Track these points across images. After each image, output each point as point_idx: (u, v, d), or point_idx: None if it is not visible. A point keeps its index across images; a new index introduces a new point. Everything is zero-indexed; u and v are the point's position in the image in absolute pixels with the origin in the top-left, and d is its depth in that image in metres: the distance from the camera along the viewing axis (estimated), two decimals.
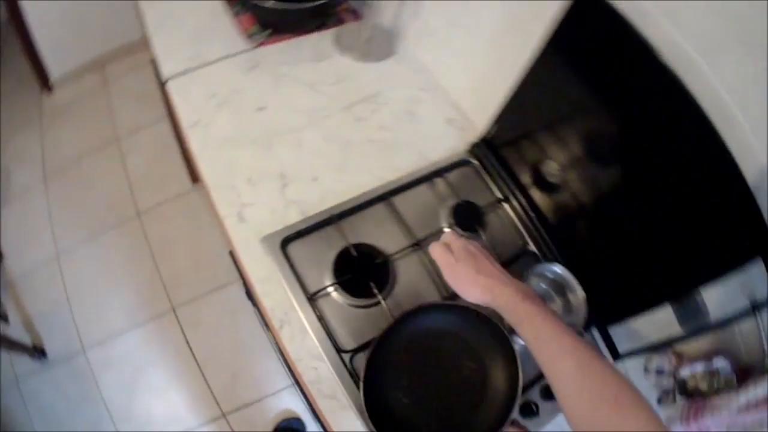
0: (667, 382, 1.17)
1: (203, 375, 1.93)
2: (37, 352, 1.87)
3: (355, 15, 1.54)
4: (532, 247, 1.23)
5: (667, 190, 0.92)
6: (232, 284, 2.01)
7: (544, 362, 0.73)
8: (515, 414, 1.02)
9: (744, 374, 1.06)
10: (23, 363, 1.86)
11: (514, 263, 1.19)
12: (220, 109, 1.28)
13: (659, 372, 1.19)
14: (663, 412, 1.14)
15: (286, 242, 1.09)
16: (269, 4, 1.35)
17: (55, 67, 2.40)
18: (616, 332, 1.19)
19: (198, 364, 1.93)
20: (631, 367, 1.21)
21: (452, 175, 1.27)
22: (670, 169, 0.89)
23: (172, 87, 1.31)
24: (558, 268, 1.12)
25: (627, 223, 1.06)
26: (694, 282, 0.96)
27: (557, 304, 1.13)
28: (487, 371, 1.00)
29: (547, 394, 1.11)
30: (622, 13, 0.83)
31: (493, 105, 1.20)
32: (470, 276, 0.83)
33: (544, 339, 0.73)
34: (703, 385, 1.12)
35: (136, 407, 1.89)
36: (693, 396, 1.14)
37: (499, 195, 1.26)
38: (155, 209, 2.16)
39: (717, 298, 0.98)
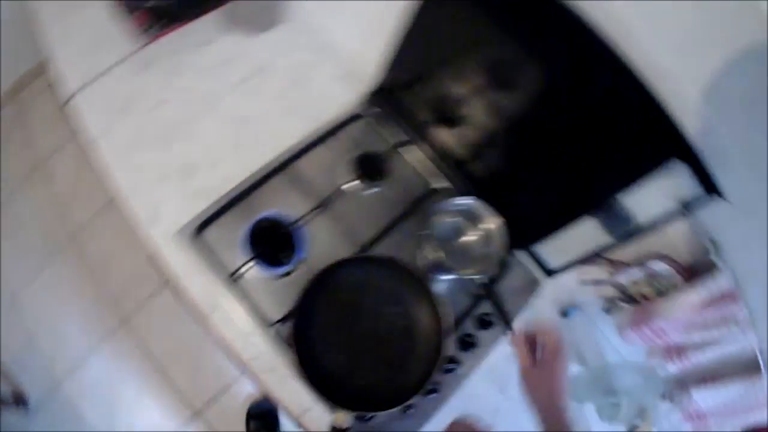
0: (607, 290, 1.30)
1: (170, 377, 2.10)
2: (20, 401, 2.02)
3: None
4: (441, 184, 1.35)
5: (572, 106, 1.02)
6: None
7: None
8: (451, 351, 1.17)
9: (689, 274, 1.17)
10: (7, 418, 1.99)
11: (423, 203, 1.31)
12: (120, 115, 1.36)
13: (597, 282, 1.32)
14: (614, 323, 1.28)
15: (199, 231, 1.21)
16: None
17: None
18: (545, 251, 1.32)
19: (162, 368, 2.11)
20: (567, 283, 1.34)
21: (348, 131, 1.38)
22: (572, 85, 0.99)
23: (75, 103, 1.38)
24: (465, 200, 1.22)
25: (537, 145, 1.16)
26: (609, 191, 1.08)
27: (474, 235, 1.25)
28: (411, 314, 1.14)
29: (482, 323, 1.25)
30: None
31: (383, 48, 1.29)
32: (538, 387, 0.95)
33: None
34: (647, 290, 1.24)
35: (120, 426, 2.06)
36: (637, 301, 1.26)
37: (397, 140, 1.37)
38: (89, 224, 2.27)
39: (642, 203, 1.09)
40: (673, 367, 1.23)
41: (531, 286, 1.34)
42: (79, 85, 1.41)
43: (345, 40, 1.49)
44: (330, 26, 1.52)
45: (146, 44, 1.49)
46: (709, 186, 0.94)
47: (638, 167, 1.00)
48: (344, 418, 1.05)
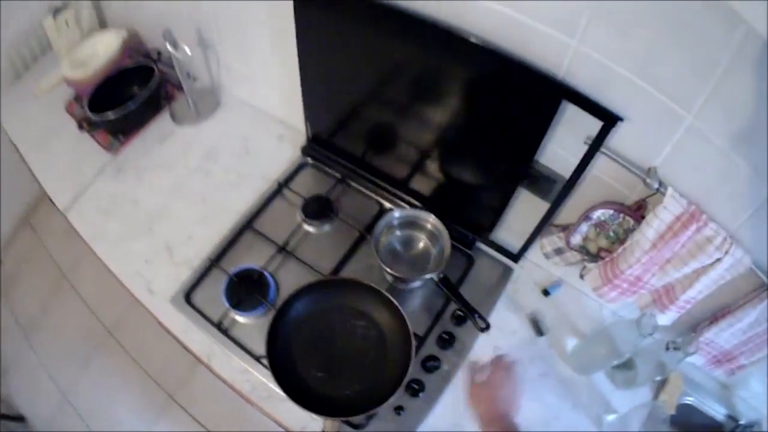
0: (572, 255, 1.27)
1: None
2: None
3: (180, 88, 1.89)
4: (387, 204, 1.54)
5: (464, 94, 1.14)
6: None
7: None
8: (431, 350, 1.31)
9: (638, 211, 1.08)
10: None
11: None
12: (107, 217, 1.62)
13: (558, 251, 1.30)
14: (590, 286, 1.22)
15: (188, 296, 1.43)
16: (109, 116, 1.69)
17: None
18: (505, 238, 1.43)
19: None
20: (535, 263, 1.43)
21: (295, 182, 1.61)
22: (449, 77, 1.13)
23: (71, 217, 1.65)
24: (398, 212, 1.40)
25: (454, 141, 1.28)
26: (525, 157, 1.14)
27: (421, 237, 1.42)
28: (378, 324, 1.29)
29: (457, 319, 1.35)
30: None
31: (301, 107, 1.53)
32: (481, 403, 1.07)
33: None
34: (602, 241, 1.17)
35: None
36: (602, 257, 1.18)
37: (338, 176, 1.59)
38: (120, 321, 2.51)
39: (559, 158, 1.13)
40: (671, 314, 1.14)
41: (505, 275, 1.44)
42: (70, 199, 1.68)
43: (271, 106, 1.75)
44: (256, 100, 1.79)
45: (115, 155, 1.76)
46: (600, 113, 0.95)
47: (537, 124, 1.05)
48: (332, 425, 1.18)
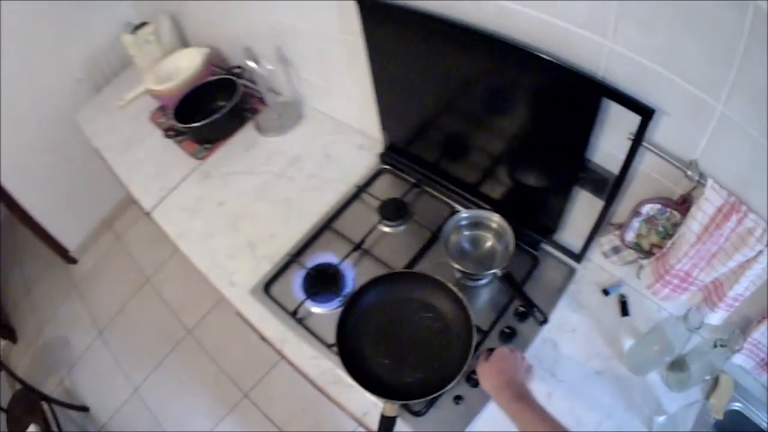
0: (628, 254, 1.27)
1: None
2: None
3: (264, 101, 2.04)
4: (458, 207, 1.60)
5: (517, 103, 1.21)
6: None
7: None
8: (495, 342, 1.33)
9: (684, 204, 1.08)
10: None
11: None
12: (192, 216, 1.76)
13: (615, 250, 1.31)
14: (644, 284, 1.22)
15: (267, 287, 1.52)
16: (196, 126, 1.85)
17: (70, 242, 3.02)
18: (568, 240, 1.45)
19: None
20: (598, 264, 1.44)
21: (374, 186, 1.70)
22: (509, 86, 1.19)
23: (156, 215, 1.80)
24: (466, 213, 1.46)
25: (515, 146, 1.33)
26: (578, 156, 1.17)
27: (488, 237, 1.48)
28: (443, 316, 1.34)
29: (520, 316, 1.37)
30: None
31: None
32: (487, 378, 1.15)
33: (529, 429, 0.99)
34: (654, 237, 1.16)
35: None
36: (653, 253, 1.18)
37: (413, 181, 1.67)
38: (201, 323, 2.66)
39: (608, 157, 1.15)
40: (721, 312, 1.11)
41: (567, 276, 1.45)
42: (157, 200, 1.83)
43: (350, 118, 1.88)
44: (336, 112, 1.91)
45: (203, 159, 1.90)
46: (636, 107, 0.97)
47: (583, 123, 1.09)
48: (391, 408, 1.22)
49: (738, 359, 1.13)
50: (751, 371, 1.19)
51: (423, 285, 1.38)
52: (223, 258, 1.64)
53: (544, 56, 1.03)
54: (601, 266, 1.44)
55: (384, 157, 1.74)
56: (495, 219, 1.45)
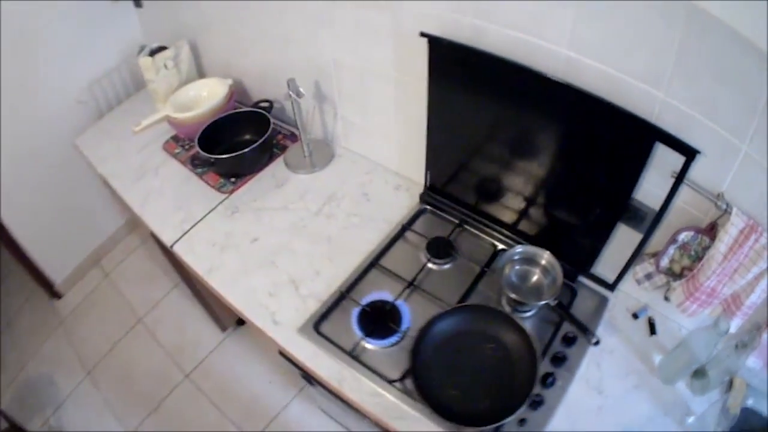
0: (659, 279, 1.42)
1: None
2: None
3: (294, 138, 2.03)
4: (500, 246, 1.66)
5: (569, 144, 1.33)
6: (303, 390, 2.41)
7: None
8: (547, 368, 1.40)
9: (712, 230, 1.25)
10: None
11: (492, 263, 1.61)
12: (223, 252, 1.71)
13: (648, 276, 1.44)
14: (674, 303, 1.37)
15: (317, 325, 1.50)
16: (227, 156, 1.82)
17: (55, 275, 2.83)
18: (602, 270, 1.55)
19: None
20: (624, 291, 1.55)
21: (416, 225, 1.73)
22: (564, 132, 1.32)
23: (178, 249, 1.74)
24: (520, 248, 1.53)
25: (561, 185, 1.44)
26: (624, 196, 1.31)
27: (536, 271, 1.54)
28: (505, 344, 1.40)
29: (567, 341, 1.46)
30: (464, 42, 1.31)
31: (420, 158, 1.68)
32: None
33: None
34: (685, 261, 1.33)
35: None
36: (684, 276, 1.35)
37: (456, 221, 1.71)
38: (200, 367, 2.55)
39: (650, 193, 1.29)
40: (737, 320, 1.28)
41: (601, 304, 1.55)
42: (179, 233, 1.78)
43: (386, 158, 1.91)
44: (371, 152, 1.95)
45: (230, 193, 1.87)
46: (683, 149, 1.13)
47: (635, 163, 1.23)
48: None
49: (749, 361, 1.29)
50: (759, 371, 1.34)
51: (484, 317, 1.44)
52: (263, 296, 1.60)
53: (609, 103, 1.16)
54: (628, 293, 1.56)
55: (425, 197, 1.77)
56: (545, 255, 1.52)
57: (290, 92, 1.76)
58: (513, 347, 1.40)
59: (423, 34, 1.36)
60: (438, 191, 1.74)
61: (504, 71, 1.29)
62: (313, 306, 1.55)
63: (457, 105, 1.48)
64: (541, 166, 1.44)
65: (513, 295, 1.46)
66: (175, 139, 2.10)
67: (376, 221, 1.76)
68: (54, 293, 2.87)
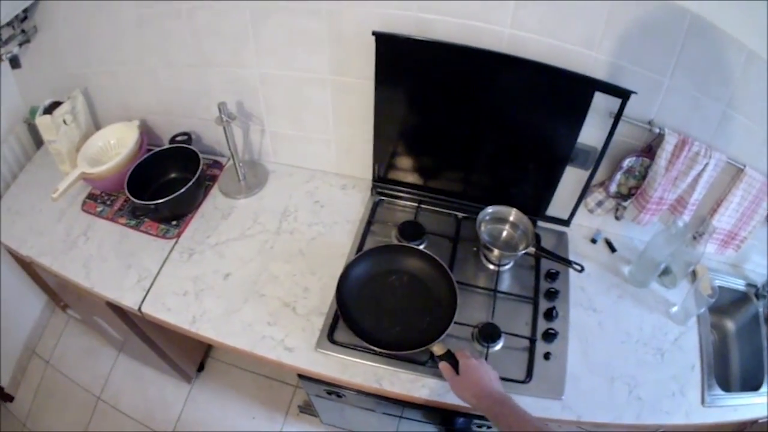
0: (608, 203, 1.66)
1: None
2: None
3: (218, 165, 1.98)
4: (461, 215, 1.83)
5: (523, 110, 1.52)
6: (288, 413, 2.42)
7: None
8: (544, 303, 1.60)
9: (650, 151, 1.50)
10: None
11: (460, 231, 1.77)
12: (199, 298, 1.65)
13: (599, 204, 1.68)
14: (629, 218, 1.66)
15: (331, 337, 1.53)
16: (168, 199, 1.72)
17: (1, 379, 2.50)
18: (556, 211, 1.77)
19: None
20: (582, 219, 1.79)
21: (378, 216, 1.83)
22: (513, 97, 1.49)
23: (148, 310, 1.64)
24: (490, 209, 1.70)
25: (512, 148, 1.62)
26: (570, 143, 1.52)
27: (505, 228, 1.74)
28: (415, 273, 1.59)
29: (552, 277, 1.68)
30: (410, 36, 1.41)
31: (362, 154, 1.78)
32: (465, 390, 1.26)
33: (514, 429, 1.13)
34: (631, 182, 1.57)
35: None
36: (632, 194, 1.59)
37: (414, 204, 1.83)
38: (178, 425, 2.45)
39: (592, 135, 1.51)
40: (686, 217, 1.54)
41: (562, 239, 1.79)
42: (141, 294, 1.69)
43: (325, 161, 1.97)
44: (306, 160, 2.00)
45: (177, 239, 1.81)
46: (619, 93, 1.36)
47: (578, 112, 1.45)
48: (438, 347, 1.37)
49: (708, 248, 1.59)
50: (715, 253, 1.66)
51: (388, 254, 1.62)
52: (263, 327, 1.59)
53: (553, 67, 1.38)
54: (580, 224, 1.82)
55: (377, 189, 1.87)
56: (512, 212, 1.72)
57: (222, 116, 1.71)
58: (421, 273, 1.59)
59: (375, 34, 1.43)
60: (389, 180, 1.84)
61: (453, 56, 1.44)
62: (318, 321, 1.58)
63: (405, 95, 1.58)
64: (493, 135, 1.61)
65: (496, 252, 1.64)
66: (92, 197, 1.93)
67: (340, 223, 1.82)
68: (5, 396, 2.56)
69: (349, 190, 1.92)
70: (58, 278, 1.82)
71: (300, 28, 1.55)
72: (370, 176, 1.85)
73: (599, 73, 1.38)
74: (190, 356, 2.43)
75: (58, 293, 2.37)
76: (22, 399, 2.55)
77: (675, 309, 1.62)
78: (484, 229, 1.70)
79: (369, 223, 1.79)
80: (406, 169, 1.80)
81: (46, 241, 1.84)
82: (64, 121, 1.86)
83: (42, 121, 1.81)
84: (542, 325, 1.58)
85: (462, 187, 1.79)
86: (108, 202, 1.92)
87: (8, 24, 1.74)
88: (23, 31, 1.81)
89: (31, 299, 2.63)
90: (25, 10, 1.75)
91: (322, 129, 1.81)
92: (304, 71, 1.65)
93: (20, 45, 1.84)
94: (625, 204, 1.64)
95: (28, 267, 2.10)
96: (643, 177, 1.54)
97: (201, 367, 2.59)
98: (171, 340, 2.13)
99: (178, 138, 1.97)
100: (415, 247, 1.61)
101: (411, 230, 1.74)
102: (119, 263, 1.76)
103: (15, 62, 1.85)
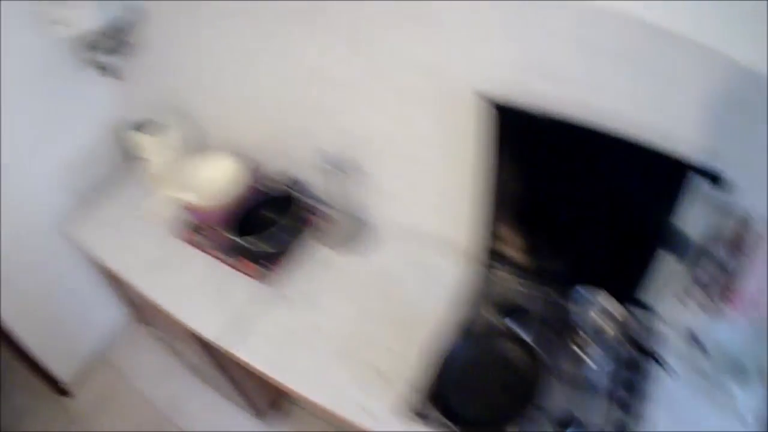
0: (698, 295, 1.48)
1: None
2: None
3: (323, 215, 1.95)
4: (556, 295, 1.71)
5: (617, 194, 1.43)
6: None
7: None
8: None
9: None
10: None
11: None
12: (287, 344, 1.65)
13: (689, 295, 1.49)
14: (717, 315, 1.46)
15: (418, 412, 1.47)
16: (246, 240, 1.74)
17: (63, 373, 2.57)
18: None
19: None
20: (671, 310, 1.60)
21: (478, 287, 1.74)
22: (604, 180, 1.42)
23: (232, 348, 1.66)
24: (590, 297, 1.56)
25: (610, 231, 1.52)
26: (666, 230, 1.39)
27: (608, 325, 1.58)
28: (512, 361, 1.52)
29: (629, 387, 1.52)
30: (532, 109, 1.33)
31: (467, 220, 1.70)
32: None
33: None
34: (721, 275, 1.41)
35: None
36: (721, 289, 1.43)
37: (515, 279, 1.76)
38: None
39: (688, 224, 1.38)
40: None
41: (652, 330, 1.61)
42: (227, 331, 1.70)
43: (428, 223, 1.89)
44: (409, 219, 1.93)
45: (272, 283, 1.81)
46: (715, 179, 1.20)
47: (672, 197, 1.31)
48: None
49: None
50: None
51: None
52: (348, 387, 1.54)
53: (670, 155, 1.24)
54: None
55: (481, 260, 1.79)
56: (612, 303, 1.56)
57: (331, 167, 1.71)
58: (518, 361, 1.52)
59: (495, 105, 1.36)
60: (494, 252, 1.77)
61: (570, 133, 1.34)
62: (406, 391, 1.51)
63: (522, 169, 1.51)
64: (597, 214, 1.51)
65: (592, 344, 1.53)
66: (188, 224, 1.96)
67: (438, 291, 1.74)
68: (62, 391, 2.60)
69: (450, 257, 1.83)
70: (141, 298, 1.83)
71: (409, 85, 1.51)
72: (473, 244, 1.78)
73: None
74: (267, 394, 2.41)
75: (140, 309, 2.41)
76: (81, 399, 2.59)
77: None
78: (584, 320, 1.58)
79: (469, 295, 1.72)
80: (511, 243, 1.72)
81: (134, 258, 1.87)
82: (163, 142, 1.88)
83: (142, 140, 1.84)
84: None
85: (562, 266, 1.71)
86: (204, 233, 1.93)
87: (111, 36, 1.78)
88: (128, 42, 1.83)
89: (111, 306, 2.68)
90: (130, 23, 1.78)
91: (427, 190, 1.76)
92: (412, 128, 1.61)
93: (124, 57, 1.86)
94: (714, 298, 1.47)
95: (112, 278, 2.13)
96: (734, 272, 1.39)
97: (275, 405, 2.56)
98: (249, 376, 2.12)
99: (284, 181, 1.97)
100: (519, 334, 1.56)
101: (514, 312, 1.67)
102: (209, 296, 1.78)
103: (114, 72, 1.87)
